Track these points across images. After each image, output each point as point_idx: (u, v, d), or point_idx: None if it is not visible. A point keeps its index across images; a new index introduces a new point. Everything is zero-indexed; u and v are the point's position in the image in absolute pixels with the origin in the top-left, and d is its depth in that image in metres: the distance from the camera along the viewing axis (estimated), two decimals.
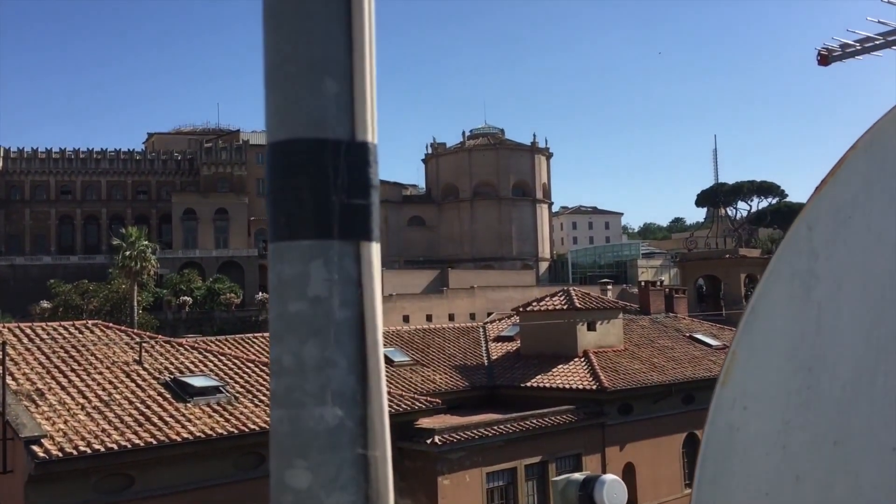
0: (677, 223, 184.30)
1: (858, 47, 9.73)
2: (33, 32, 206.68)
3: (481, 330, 35.08)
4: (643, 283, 42.23)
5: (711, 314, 44.31)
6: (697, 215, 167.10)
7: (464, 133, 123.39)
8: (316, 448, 0.94)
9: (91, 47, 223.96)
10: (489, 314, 61.43)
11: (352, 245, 1.01)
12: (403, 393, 23.96)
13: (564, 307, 30.09)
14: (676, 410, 28.14)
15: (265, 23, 1.03)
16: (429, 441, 22.22)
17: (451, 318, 72.00)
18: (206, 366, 21.50)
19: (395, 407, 22.19)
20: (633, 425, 27.81)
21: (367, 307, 0.99)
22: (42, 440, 15.87)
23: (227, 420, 18.70)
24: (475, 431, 23.34)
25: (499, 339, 33.60)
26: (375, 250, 1.05)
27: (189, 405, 18.92)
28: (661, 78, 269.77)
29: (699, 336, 34.18)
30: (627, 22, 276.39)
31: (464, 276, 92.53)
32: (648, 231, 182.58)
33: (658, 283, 44.61)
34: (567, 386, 27.61)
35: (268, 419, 18.90)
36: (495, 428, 23.90)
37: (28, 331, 21.20)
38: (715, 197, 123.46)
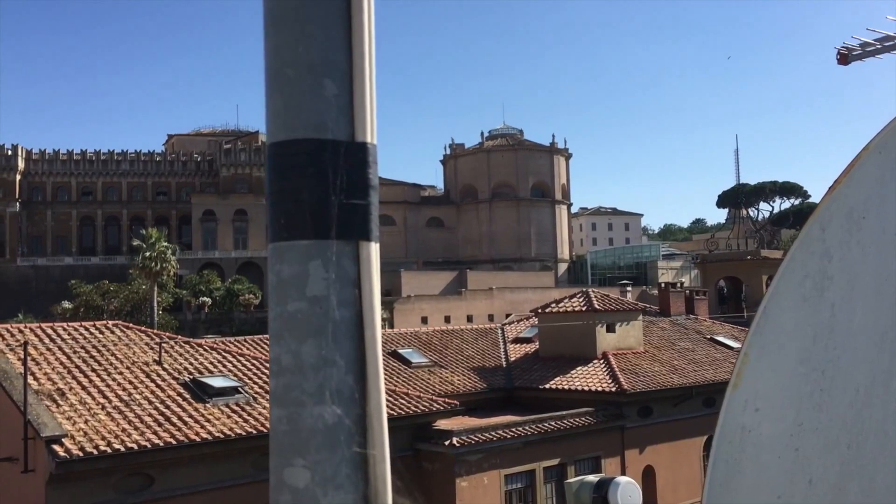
0: (698, 224, 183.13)
1: (878, 46, 9.63)
2: (54, 35, 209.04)
3: (500, 331, 35.01)
4: (663, 285, 41.93)
5: (733, 316, 43.97)
6: (718, 216, 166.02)
7: (482, 134, 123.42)
8: (314, 447, 0.95)
9: (112, 50, 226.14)
10: (507, 316, 61.33)
11: (350, 245, 1.01)
12: (421, 394, 23.97)
13: (583, 309, 29.97)
14: (697, 413, 27.92)
15: (266, 26, 1.03)
16: (447, 443, 22.21)
17: (470, 319, 71.95)
18: (225, 366, 21.62)
19: (413, 408, 22.21)
20: (653, 428, 27.63)
21: (366, 307, 0.99)
22: (63, 440, 16.02)
23: (246, 420, 18.79)
24: (493, 433, 23.29)
25: (517, 340, 33.52)
26: (374, 250, 1.05)
27: (208, 405, 19.03)
28: (681, 78, 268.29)
29: (720, 338, 33.91)
30: (646, 22, 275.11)
31: (482, 278, 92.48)
32: (669, 232, 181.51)
33: (678, 285, 44.31)
34: (586, 388, 27.49)
35: None
36: (514, 430, 23.83)
37: (49, 331, 21.41)
38: (736, 198, 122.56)
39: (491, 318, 71.29)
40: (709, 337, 34.12)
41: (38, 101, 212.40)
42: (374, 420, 0.98)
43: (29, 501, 16.47)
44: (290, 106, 1.03)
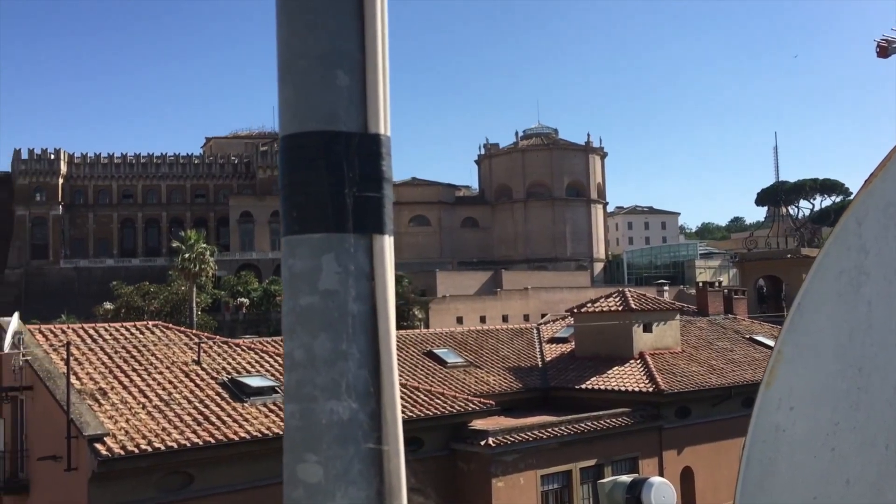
0: (736, 223, 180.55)
1: None
2: (95, 39, 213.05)
3: (535, 331, 34.86)
4: (701, 284, 41.39)
5: (772, 316, 43.22)
6: (757, 214, 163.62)
7: (517, 133, 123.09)
8: (327, 442, 0.93)
9: (152, 54, 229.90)
10: (543, 315, 61.08)
11: (364, 238, 1.00)
12: (457, 394, 23.96)
13: (620, 308, 29.71)
14: (736, 414, 27.48)
15: (278, 17, 1.02)
16: (482, 443, 22.16)
17: (505, 319, 71.79)
18: (262, 366, 21.82)
19: (448, 408, 22.21)
20: (691, 429, 27.29)
21: (380, 300, 0.98)
22: (105, 438, 16.30)
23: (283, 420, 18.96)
24: (529, 433, 23.18)
25: (553, 340, 33.35)
26: (388, 243, 1.03)
27: (246, 405, 19.23)
28: (718, 74, 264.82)
29: (759, 338, 33.38)
30: (682, 19, 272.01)
31: (517, 278, 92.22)
32: (706, 231, 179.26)
33: (716, 284, 43.66)
34: (623, 388, 27.25)
35: None
36: (550, 430, 23.70)
37: (92, 331, 21.82)
38: (776, 195, 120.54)
39: (526, 317, 71.08)
40: (748, 337, 33.61)
41: (80, 105, 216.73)
42: (389, 415, 0.97)
43: (72, 499, 16.78)
44: (302, 98, 1.01)
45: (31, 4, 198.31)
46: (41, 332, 21.30)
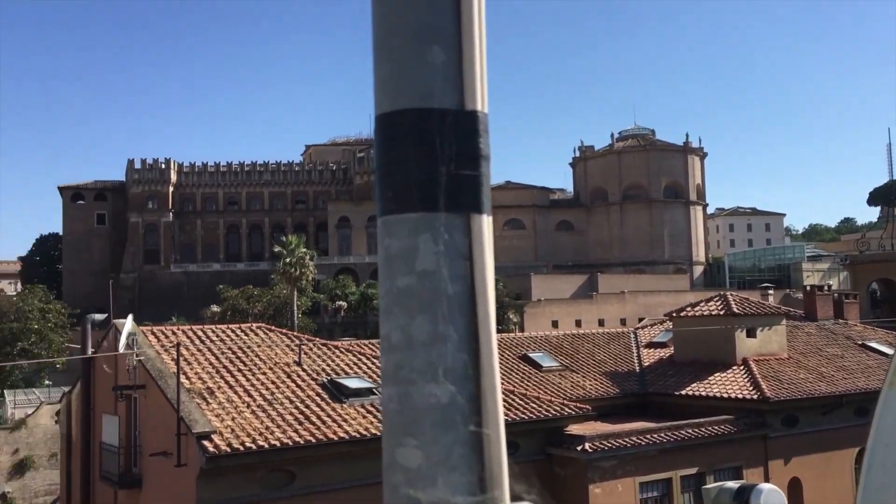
0: (847, 224, 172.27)
1: None
2: (202, 54, 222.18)
3: (632, 335, 34.18)
4: (809, 288, 39.62)
5: (887, 321, 40.99)
6: (870, 215, 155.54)
7: (612, 135, 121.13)
8: (427, 426, 0.91)
9: (254, 65, 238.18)
10: (640, 319, 59.84)
11: (461, 217, 0.97)
12: (552, 398, 23.71)
13: (721, 312, 28.76)
14: (847, 423, 26.18)
15: None
16: (579, 448, 21.84)
17: (601, 323, 70.71)
18: (360, 368, 22.19)
19: (543, 412, 22.00)
20: (799, 438, 26.13)
21: (478, 281, 0.94)
22: (212, 436, 16.90)
23: (381, 421, 19.18)
24: (627, 439, 22.70)
25: (651, 345, 32.60)
26: (486, 223, 1.00)
27: (345, 405, 19.58)
28: (825, 70, 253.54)
29: (873, 344, 31.69)
30: (785, 16, 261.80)
31: (614, 281, 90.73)
32: (814, 232, 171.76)
33: (825, 288, 41.76)
34: (725, 395, 26.35)
35: None
36: (649, 436, 23.15)
37: (200, 333, 22.71)
38: (889, 194, 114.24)
39: (623, 321, 69.79)
40: (860, 343, 31.95)
41: (187, 116, 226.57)
42: (489, 398, 0.93)
43: (182, 493, 17.46)
44: (396, 75, 0.99)
45: (146, 24, 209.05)
46: (153, 333, 22.33)
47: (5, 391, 61.91)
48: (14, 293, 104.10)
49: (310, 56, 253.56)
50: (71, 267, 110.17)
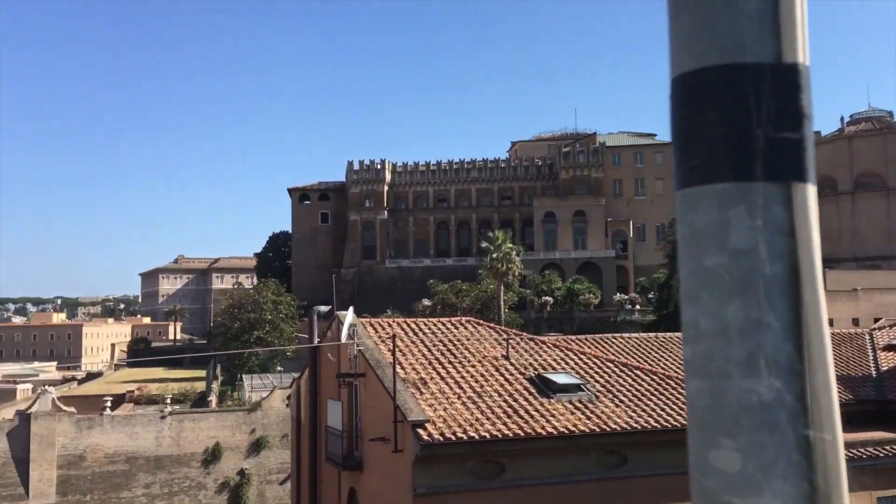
0: None
1: None
2: (419, 61, 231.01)
3: (867, 337, 31.25)
4: None
5: None
6: None
7: (842, 119, 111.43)
8: (748, 426, 0.77)
9: (463, 71, 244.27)
10: (876, 320, 54.56)
11: (781, 187, 0.82)
12: None
13: None
14: None
15: None
16: None
17: (831, 323, 65.18)
18: (567, 364, 22.00)
19: None
20: None
21: (804, 260, 0.80)
22: (426, 424, 17.49)
23: (589, 418, 18.90)
24: (863, 450, 20.81)
25: (889, 347, 29.71)
26: (811, 193, 0.85)
27: (552, 401, 19.49)
28: None
29: None
30: None
31: (844, 277, 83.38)
32: None
33: None
34: None
35: (629, 421, 18.71)
36: (888, 448, 21.05)
37: (413, 325, 23.62)
38: None
39: (856, 322, 63.97)
40: None
41: (400, 119, 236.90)
42: (823, 397, 0.80)
43: (398, 478, 18.25)
44: (700, 27, 0.85)
45: (360, 36, 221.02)
46: (371, 324, 23.53)
47: (243, 376, 68.22)
48: (251, 286, 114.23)
49: (518, 55, 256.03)
50: (299, 262, 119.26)
